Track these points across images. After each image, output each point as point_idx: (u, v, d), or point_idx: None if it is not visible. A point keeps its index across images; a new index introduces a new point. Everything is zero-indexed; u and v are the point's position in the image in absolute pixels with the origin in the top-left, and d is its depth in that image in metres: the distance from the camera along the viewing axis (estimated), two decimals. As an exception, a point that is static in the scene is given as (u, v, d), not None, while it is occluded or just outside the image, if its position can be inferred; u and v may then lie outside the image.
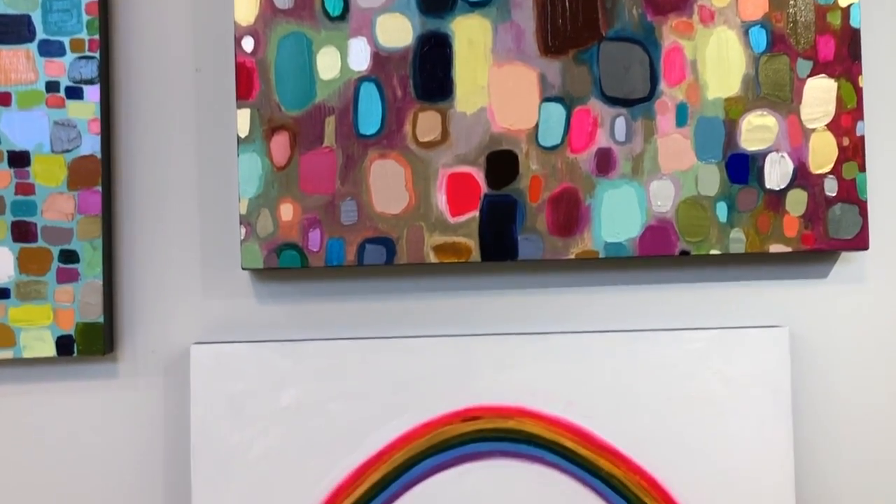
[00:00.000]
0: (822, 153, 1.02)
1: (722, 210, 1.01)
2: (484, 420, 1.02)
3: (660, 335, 1.04)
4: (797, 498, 1.04)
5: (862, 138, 1.01)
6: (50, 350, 0.97)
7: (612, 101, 1.01)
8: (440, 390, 1.02)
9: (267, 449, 1.00)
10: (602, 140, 1.01)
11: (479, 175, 1.01)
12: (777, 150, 1.02)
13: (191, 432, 0.99)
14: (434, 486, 1.02)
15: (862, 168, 1.01)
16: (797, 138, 1.02)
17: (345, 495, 1.00)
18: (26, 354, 0.97)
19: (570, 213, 1.01)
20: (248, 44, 1.00)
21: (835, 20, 1.01)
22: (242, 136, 0.99)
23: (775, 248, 1.01)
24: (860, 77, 1.01)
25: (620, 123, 1.01)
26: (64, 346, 0.97)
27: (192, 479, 0.99)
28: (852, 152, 1.02)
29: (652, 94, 1.01)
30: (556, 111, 1.01)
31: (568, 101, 1.01)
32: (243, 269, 0.99)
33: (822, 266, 1.06)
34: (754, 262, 1.06)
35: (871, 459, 1.05)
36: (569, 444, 1.03)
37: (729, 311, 1.06)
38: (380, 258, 1.00)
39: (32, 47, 0.98)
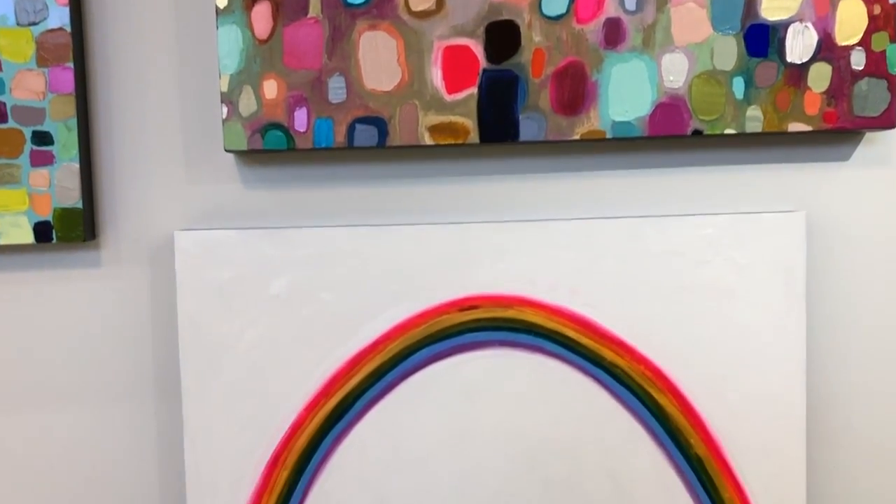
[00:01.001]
0: (850, 23, 0.93)
1: (738, 86, 0.94)
2: (482, 309, 0.98)
3: (669, 221, 0.98)
4: (808, 390, 1.01)
5: (895, 6, 0.93)
6: (27, 237, 0.93)
7: (623, -35, 0.93)
8: (437, 279, 0.98)
9: (257, 339, 0.96)
10: (611, 9, 0.93)
11: (478, 48, 0.94)
12: (800, 20, 0.94)
13: (178, 323, 0.96)
14: (431, 376, 0.98)
15: (893, 39, 0.93)
16: (823, 7, 0.93)
17: (339, 385, 0.97)
18: (3, 241, 0.93)
19: (575, 90, 0.94)
20: None
21: None
22: (221, 6, 0.92)
23: (795, 127, 0.94)
24: (896, -64, 0.92)
25: (631, -10, 0.93)
26: (42, 232, 0.93)
27: (181, 371, 0.96)
28: (883, 22, 0.93)
29: (666, -43, 0.93)
30: (561, -23, 0.93)
31: (574, -34, 0.93)
32: (226, 150, 0.93)
33: (845, 147, 0.99)
34: (772, 142, 0.99)
35: (887, 350, 1.01)
36: (571, 333, 0.99)
37: (743, 196, 1.00)
38: (371, 139, 0.94)
39: None
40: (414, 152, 0.98)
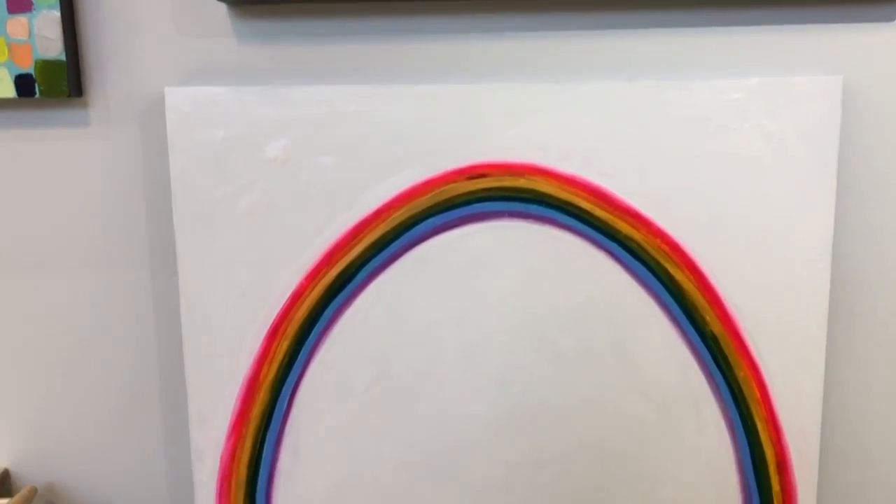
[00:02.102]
0: None
1: (778, -67, 0.85)
2: (491, 178, 0.93)
3: (694, 85, 0.91)
4: (832, 269, 0.96)
5: None
6: (9, 90, 0.88)
7: None
8: (444, 144, 0.92)
9: (254, 205, 0.92)
10: None
11: None
12: None
13: (171, 186, 0.91)
14: (436, 247, 0.94)
15: None
16: None
17: (340, 255, 0.93)
18: (-16, 95, 0.88)
19: (597, -64, 0.86)
20: None
21: None
22: None
23: (838, -20, 0.86)
24: None
25: None
26: (24, 85, 0.88)
27: (175, 236, 0.92)
28: None
29: None
30: None
31: None
32: (219, 0, 0.86)
33: (888, 7, 0.91)
34: (808, 0, 0.91)
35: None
36: (584, 204, 0.94)
37: (775, 59, 0.92)
38: (374, -11, 0.87)
39: None
40: (421, 5, 0.91)
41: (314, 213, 0.92)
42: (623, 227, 0.94)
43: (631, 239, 0.94)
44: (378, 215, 0.93)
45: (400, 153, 0.92)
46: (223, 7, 0.90)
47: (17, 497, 0.93)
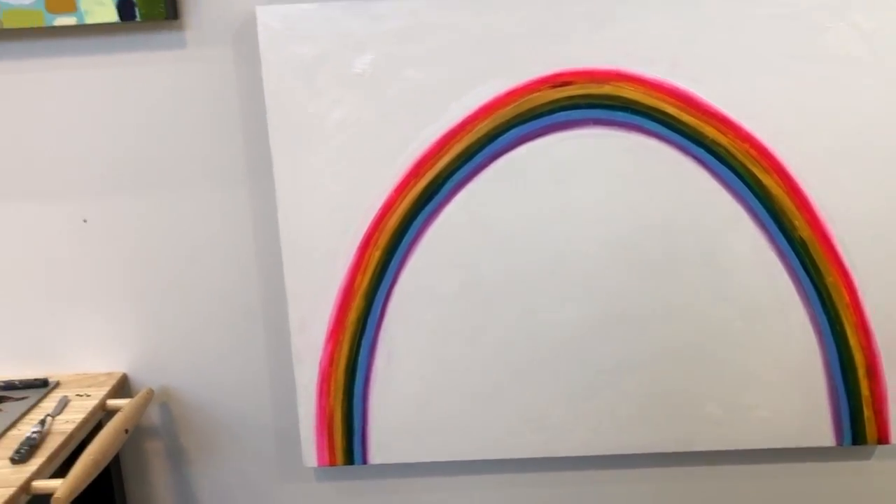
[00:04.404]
0: None
1: None
2: (576, 86, 0.93)
3: (786, -18, 0.89)
4: (930, 171, 0.94)
5: None
6: (111, 14, 0.92)
7: None
8: (527, 53, 0.92)
9: (343, 119, 0.95)
10: None
11: None
12: None
13: (265, 102, 0.95)
14: (521, 156, 0.95)
15: None
16: None
17: (427, 166, 0.96)
18: (89, 20, 0.92)
19: None
20: None
21: None
22: None
23: None
24: None
25: None
26: (126, 9, 0.92)
27: (271, 151, 0.96)
28: None
29: None
30: None
31: None
32: (304, -84, 0.87)
33: None
34: None
35: None
36: (670, 109, 0.93)
37: (875, -49, 0.88)
38: None
39: None
40: (503, -89, 0.90)
41: (401, 126, 0.95)
42: (710, 132, 0.93)
43: (718, 144, 0.93)
44: (464, 126, 0.95)
45: (484, 64, 0.93)
46: (309, -77, 0.92)
47: (136, 398, 1.01)
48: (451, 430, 1.03)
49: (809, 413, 1.01)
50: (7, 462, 0.87)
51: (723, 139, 0.93)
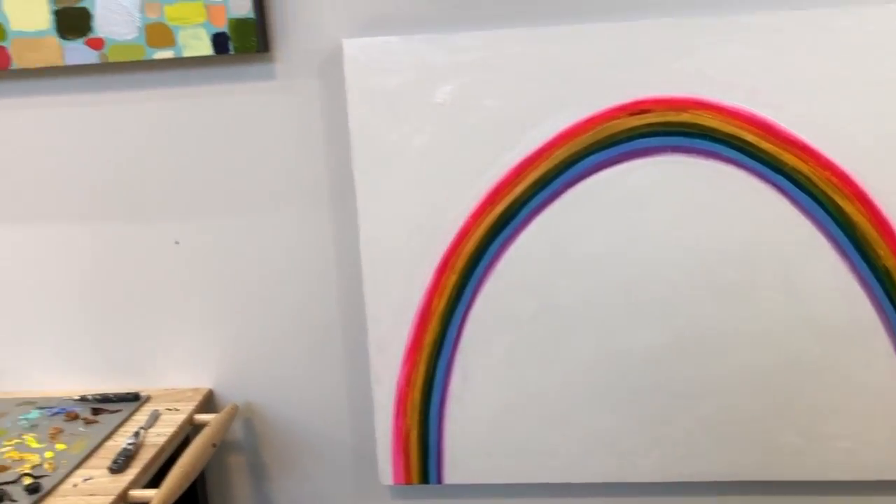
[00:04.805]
0: None
1: None
2: (654, 113, 0.94)
3: (869, 10, 0.88)
4: None
5: None
6: (207, 48, 0.97)
7: None
8: (605, 82, 0.94)
9: (424, 146, 0.98)
10: None
11: None
12: None
13: (349, 130, 0.98)
14: (598, 183, 0.97)
15: None
16: None
17: (505, 192, 0.98)
18: (186, 54, 0.97)
19: None
20: None
21: None
22: None
23: None
24: None
25: None
26: (220, 43, 0.97)
27: (354, 177, 0.99)
28: None
29: None
30: None
31: None
32: (390, -47, 0.91)
33: None
34: None
35: None
36: (749, 137, 0.93)
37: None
38: (537, -69, 0.89)
39: None
40: (582, -55, 0.92)
41: (480, 153, 0.97)
42: (790, 159, 0.93)
43: (798, 171, 0.93)
44: (541, 153, 0.97)
45: (562, 92, 0.95)
46: (393, -40, 0.95)
47: (222, 413, 1.05)
48: (524, 452, 1.04)
49: (893, 444, 0.98)
50: (105, 471, 0.91)
51: (803, 166, 0.93)
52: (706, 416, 1.01)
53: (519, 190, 0.98)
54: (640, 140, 0.95)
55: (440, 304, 1.02)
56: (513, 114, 0.96)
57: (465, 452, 1.05)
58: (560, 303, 1.00)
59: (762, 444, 1.01)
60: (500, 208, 0.98)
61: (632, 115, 0.94)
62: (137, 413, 1.05)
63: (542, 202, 0.98)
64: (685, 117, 0.94)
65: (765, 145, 0.93)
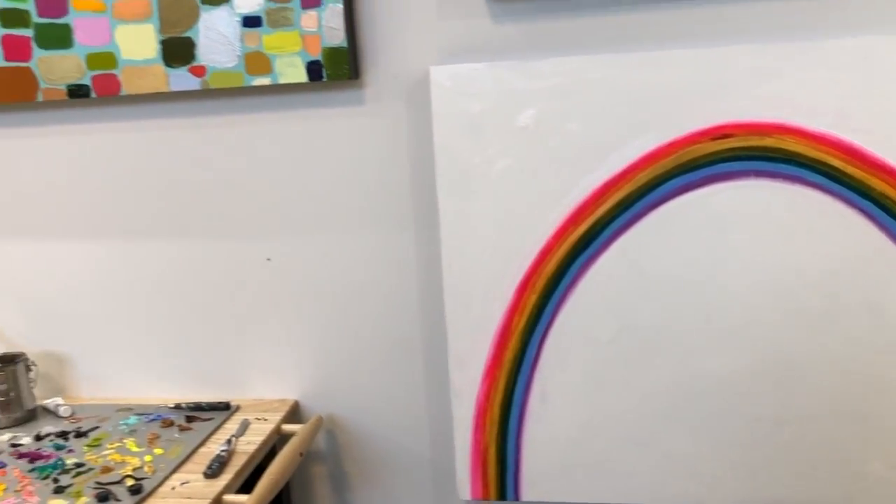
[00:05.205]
0: None
1: None
2: (737, 138, 0.95)
3: (961, 34, 0.88)
4: None
5: None
6: (302, 76, 1.02)
7: None
8: (688, 107, 0.95)
9: (507, 169, 1.00)
10: None
11: None
12: None
13: (434, 153, 1.02)
14: (680, 207, 0.98)
15: None
16: None
17: (587, 214, 1.00)
18: (282, 80, 1.03)
19: None
20: None
21: None
22: None
23: None
24: None
25: None
26: (314, 71, 1.02)
27: (438, 198, 1.03)
28: None
29: None
30: None
31: None
32: (477, -17, 0.95)
33: None
34: None
35: None
36: (835, 162, 0.93)
37: None
38: (622, -39, 0.91)
39: None
40: (666, -27, 0.94)
41: (562, 175, 0.99)
42: (877, 184, 0.92)
43: (886, 196, 0.92)
44: (623, 176, 0.98)
45: (645, 116, 0.96)
46: (480, -11, 0.99)
47: (308, 424, 1.09)
48: (601, 472, 1.05)
49: None
50: (200, 476, 0.96)
51: (891, 192, 0.92)
52: (787, 442, 1.00)
53: (601, 211, 0.99)
54: (724, 164, 0.95)
55: (520, 323, 1.04)
56: (595, 137, 0.98)
57: (542, 470, 1.06)
58: (640, 324, 1.01)
59: (846, 473, 1.00)
60: (582, 229, 1.00)
61: (714, 139, 0.95)
62: (228, 422, 1.10)
63: (624, 224, 0.99)
64: (769, 142, 0.94)
65: (851, 170, 0.92)
